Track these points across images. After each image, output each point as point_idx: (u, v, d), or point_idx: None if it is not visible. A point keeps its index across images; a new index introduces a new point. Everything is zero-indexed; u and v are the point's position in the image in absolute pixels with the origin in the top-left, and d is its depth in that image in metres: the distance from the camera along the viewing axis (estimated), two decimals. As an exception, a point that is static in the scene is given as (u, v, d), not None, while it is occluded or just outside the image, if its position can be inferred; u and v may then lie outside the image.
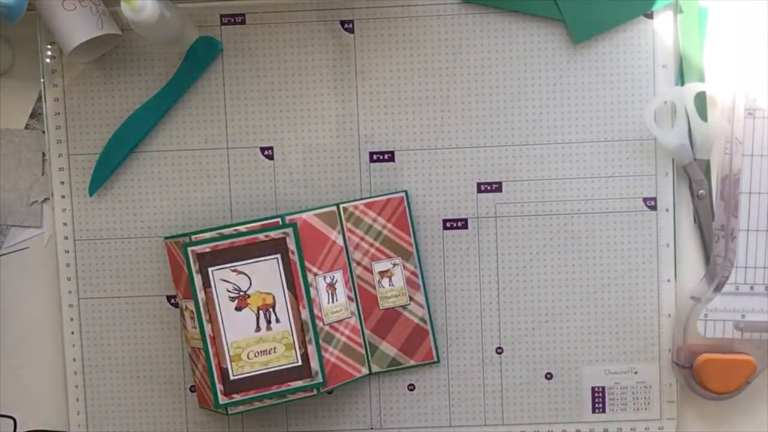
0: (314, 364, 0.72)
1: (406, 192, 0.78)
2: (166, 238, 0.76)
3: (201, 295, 0.71)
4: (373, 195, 0.78)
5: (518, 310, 0.78)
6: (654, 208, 0.77)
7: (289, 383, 0.72)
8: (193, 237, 0.71)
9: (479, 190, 0.78)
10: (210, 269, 0.71)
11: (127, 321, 0.79)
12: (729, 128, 0.74)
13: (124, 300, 0.79)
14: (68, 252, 0.79)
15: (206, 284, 0.71)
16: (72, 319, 0.79)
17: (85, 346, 0.80)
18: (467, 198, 0.78)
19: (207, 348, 0.72)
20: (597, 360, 0.78)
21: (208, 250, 0.71)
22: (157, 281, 0.79)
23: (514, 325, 0.78)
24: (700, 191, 0.76)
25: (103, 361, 0.80)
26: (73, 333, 0.79)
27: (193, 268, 0.71)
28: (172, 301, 0.79)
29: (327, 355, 0.73)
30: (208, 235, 0.71)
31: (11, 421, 0.77)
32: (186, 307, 0.75)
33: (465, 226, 0.78)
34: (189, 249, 0.71)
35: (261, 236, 0.71)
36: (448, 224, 0.78)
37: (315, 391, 0.73)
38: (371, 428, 0.79)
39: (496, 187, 0.78)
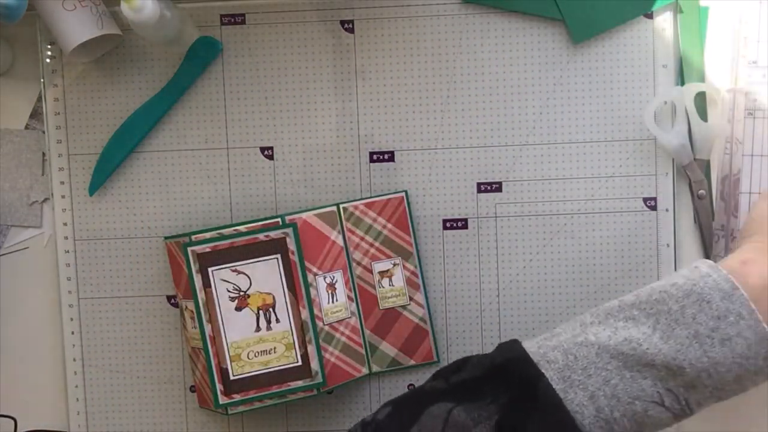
0: (314, 364, 0.72)
1: (406, 192, 0.78)
2: (166, 238, 0.76)
3: (201, 295, 0.71)
4: (373, 195, 0.78)
5: (518, 310, 0.78)
6: (654, 208, 0.77)
7: (289, 383, 0.72)
8: (193, 237, 0.71)
9: (479, 190, 0.78)
10: (210, 269, 0.71)
11: (127, 321, 0.79)
12: (729, 128, 0.74)
13: (124, 300, 0.79)
14: (68, 252, 0.79)
15: (206, 284, 0.71)
16: (72, 319, 0.79)
17: (85, 346, 0.80)
18: (467, 198, 0.78)
19: (207, 348, 0.72)
20: (597, 360, 0.78)
21: (208, 250, 0.71)
22: (157, 281, 0.79)
23: (514, 325, 0.78)
24: (700, 191, 0.76)
25: (103, 361, 0.80)
26: (73, 333, 0.79)
27: (193, 268, 0.71)
28: (172, 301, 0.79)
29: (327, 355, 0.73)
30: (208, 235, 0.71)
31: (12, 421, 0.77)
32: (186, 307, 0.75)
33: (465, 226, 0.78)
34: (189, 249, 0.71)
35: (261, 236, 0.71)
36: (448, 224, 0.78)
37: (315, 391, 0.73)
38: (371, 428, 0.79)
39: (496, 187, 0.78)
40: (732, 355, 0.54)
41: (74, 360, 0.80)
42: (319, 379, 0.72)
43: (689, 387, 0.56)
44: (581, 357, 0.57)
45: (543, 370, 0.57)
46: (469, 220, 0.78)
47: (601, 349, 0.57)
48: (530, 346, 0.60)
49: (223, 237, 0.71)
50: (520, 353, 0.59)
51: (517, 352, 0.60)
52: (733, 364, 0.54)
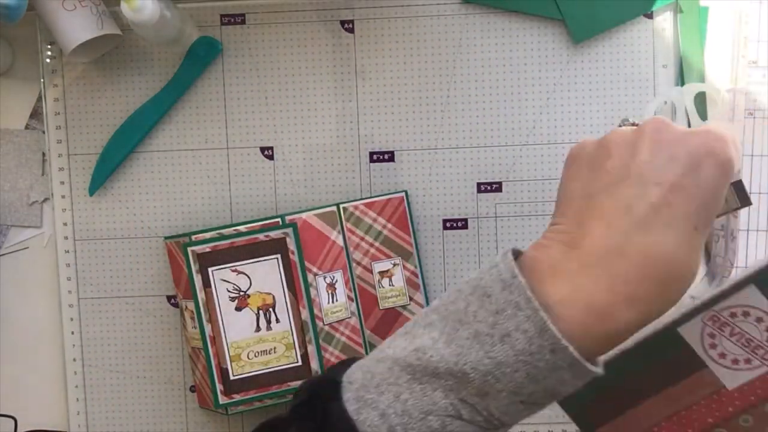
0: (314, 364, 0.72)
1: (406, 192, 0.78)
2: (166, 238, 0.76)
3: (201, 295, 0.71)
4: (373, 195, 0.78)
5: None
6: (654, 208, 0.77)
7: (289, 383, 0.72)
8: (194, 237, 0.71)
9: (479, 190, 0.78)
10: (210, 269, 0.71)
11: (127, 321, 0.79)
12: (729, 128, 0.74)
13: (124, 300, 0.79)
14: (68, 252, 0.79)
15: (206, 284, 0.71)
16: (72, 319, 0.79)
17: (85, 346, 0.80)
18: (467, 198, 0.78)
19: (207, 348, 0.72)
20: (597, 360, 0.78)
21: (208, 250, 0.71)
22: (157, 281, 0.79)
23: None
24: (700, 191, 0.75)
25: (103, 361, 0.80)
26: (73, 333, 0.79)
27: (193, 268, 0.71)
28: (172, 301, 0.79)
29: (327, 355, 0.73)
30: (208, 235, 0.71)
31: (12, 421, 0.77)
32: (186, 307, 0.75)
33: (465, 226, 0.78)
34: (189, 249, 0.71)
35: (261, 236, 0.71)
36: (448, 224, 0.78)
37: (315, 391, 0.73)
38: (371, 428, 0.79)
39: (496, 187, 0.78)
40: (513, 352, 0.45)
41: (74, 360, 0.80)
42: (319, 379, 0.72)
43: (483, 395, 0.47)
44: (377, 373, 0.50)
45: (343, 392, 0.51)
46: (469, 220, 0.78)
47: (393, 363, 0.49)
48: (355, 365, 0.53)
49: (223, 237, 0.71)
50: (330, 376, 0.53)
51: (330, 374, 0.53)
52: (517, 363, 0.45)
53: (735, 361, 0.61)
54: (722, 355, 0.61)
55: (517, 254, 0.49)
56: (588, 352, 0.45)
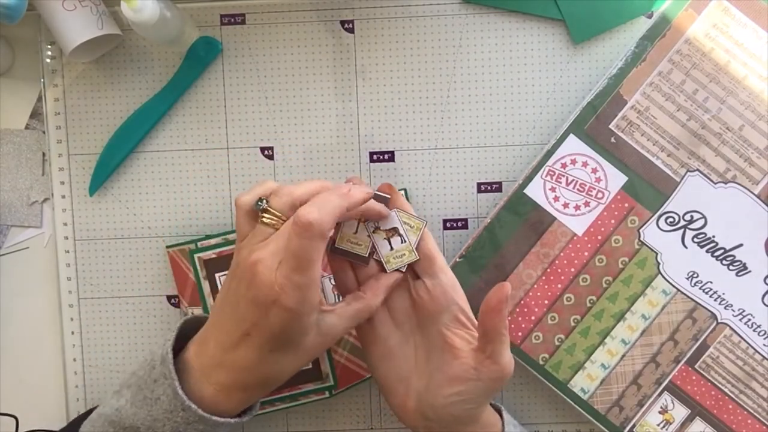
0: (324, 367, 0.72)
1: (406, 192, 0.78)
2: (168, 246, 0.76)
3: (210, 301, 0.71)
4: (374, 195, 0.78)
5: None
6: (653, 208, 0.77)
7: (300, 386, 0.72)
8: (199, 244, 0.71)
9: (479, 190, 0.78)
10: (217, 275, 0.71)
11: (127, 321, 0.79)
12: (727, 129, 0.75)
13: (124, 300, 0.79)
14: (68, 252, 0.79)
15: (214, 290, 0.71)
16: (72, 319, 0.79)
17: (85, 346, 0.80)
18: (467, 198, 0.78)
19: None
20: (596, 358, 0.78)
21: (214, 256, 0.71)
22: (157, 281, 0.79)
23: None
24: (698, 191, 0.76)
25: (103, 361, 0.80)
26: (73, 333, 0.79)
27: (201, 275, 0.71)
28: (172, 301, 0.79)
29: (336, 357, 0.73)
30: (213, 241, 0.71)
31: (13, 420, 0.77)
32: (192, 314, 0.74)
33: (465, 226, 0.78)
34: (195, 256, 0.70)
35: (263, 238, 0.71)
36: (448, 224, 0.78)
37: (327, 394, 0.73)
38: (371, 428, 0.80)
39: (496, 187, 0.78)
40: (161, 411, 0.60)
41: (74, 360, 0.80)
42: (330, 381, 0.72)
43: None
44: (97, 427, 0.64)
45: None
46: (469, 220, 0.78)
47: (104, 419, 0.63)
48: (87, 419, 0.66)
49: (228, 242, 0.71)
50: (71, 429, 0.67)
51: (71, 427, 0.67)
52: (164, 419, 0.60)
53: (577, 207, 0.73)
54: (565, 205, 0.73)
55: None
56: (217, 409, 0.60)
